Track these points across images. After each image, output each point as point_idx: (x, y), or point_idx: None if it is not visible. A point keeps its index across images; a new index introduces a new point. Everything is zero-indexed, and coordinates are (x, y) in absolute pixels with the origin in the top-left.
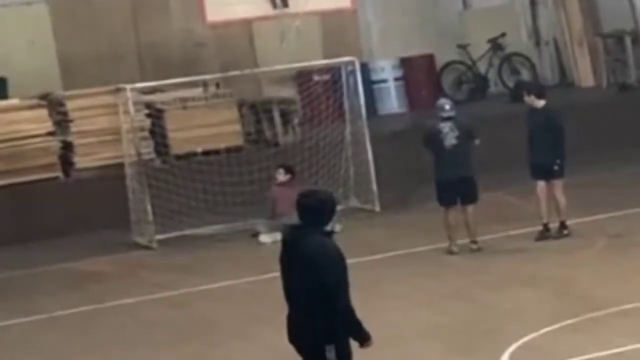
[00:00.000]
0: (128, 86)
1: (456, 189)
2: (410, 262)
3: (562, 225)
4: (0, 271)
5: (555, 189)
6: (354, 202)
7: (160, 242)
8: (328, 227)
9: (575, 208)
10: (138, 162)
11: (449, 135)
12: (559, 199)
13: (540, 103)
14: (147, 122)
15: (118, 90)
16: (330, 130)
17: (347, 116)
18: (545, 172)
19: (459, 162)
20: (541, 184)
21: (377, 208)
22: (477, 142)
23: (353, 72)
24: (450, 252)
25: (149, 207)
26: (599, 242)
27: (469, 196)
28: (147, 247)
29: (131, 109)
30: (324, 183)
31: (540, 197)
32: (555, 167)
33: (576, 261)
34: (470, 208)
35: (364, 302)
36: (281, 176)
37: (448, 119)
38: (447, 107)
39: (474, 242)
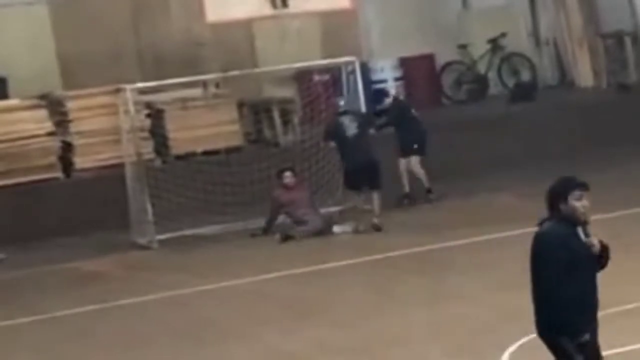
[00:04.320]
0: (128, 86)
1: (362, 175)
2: (410, 262)
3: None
4: (0, 271)
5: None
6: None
7: (160, 242)
8: None
9: None
10: (138, 162)
11: (350, 126)
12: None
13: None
14: (147, 122)
15: (118, 90)
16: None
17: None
18: None
19: (362, 150)
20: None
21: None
22: (371, 130)
23: (353, 71)
24: (358, 232)
25: (149, 207)
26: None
27: (375, 181)
28: (147, 248)
29: (131, 109)
30: (324, 183)
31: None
32: None
33: None
34: (376, 192)
35: (365, 302)
36: (288, 179)
37: (345, 112)
38: (342, 102)
39: (377, 217)
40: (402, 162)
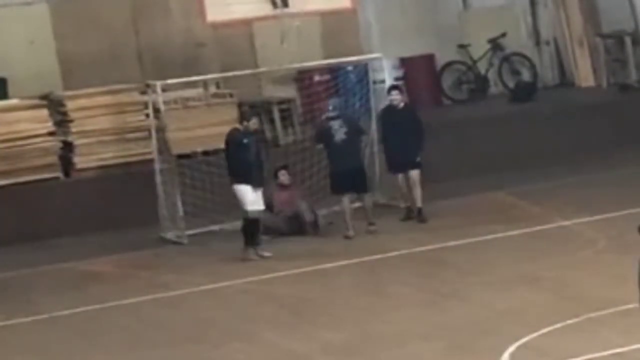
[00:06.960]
0: (158, 83)
1: (347, 180)
2: (410, 263)
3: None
4: (0, 271)
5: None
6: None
7: (163, 240)
8: None
9: (575, 208)
10: (167, 160)
11: (339, 131)
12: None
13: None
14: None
15: (147, 86)
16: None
17: (373, 113)
18: None
19: (349, 155)
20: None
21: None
22: (363, 137)
23: (366, 70)
24: (347, 237)
25: (179, 203)
26: (599, 242)
27: (361, 186)
28: (176, 243)
29: (161, 106)
30: (324, 185)
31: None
32: None
33: (576, 261)
34: (366, 196)
35: (365, 302)
36: (284, 177)
37: (336, 117)
38: (331, 107)
39: (372, 224)
40: (400, 178)
